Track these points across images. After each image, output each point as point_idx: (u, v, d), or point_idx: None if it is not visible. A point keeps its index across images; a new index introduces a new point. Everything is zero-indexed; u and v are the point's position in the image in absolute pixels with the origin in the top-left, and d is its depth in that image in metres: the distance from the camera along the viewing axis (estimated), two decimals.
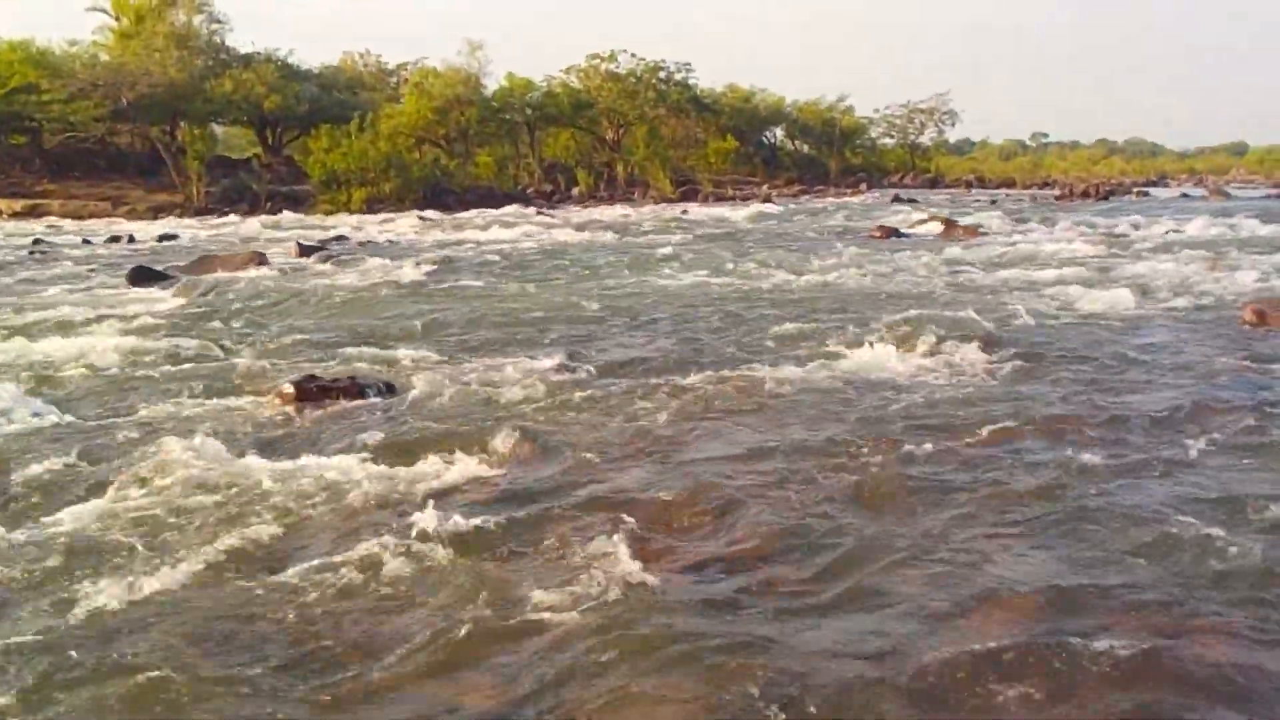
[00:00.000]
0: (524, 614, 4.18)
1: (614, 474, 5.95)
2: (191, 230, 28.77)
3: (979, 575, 4.46)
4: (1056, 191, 54.79)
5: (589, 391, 7.87)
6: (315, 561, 4.69)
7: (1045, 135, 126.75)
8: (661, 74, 58.86)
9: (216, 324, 11.63)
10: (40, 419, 7.17)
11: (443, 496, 5.62)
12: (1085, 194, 49.22)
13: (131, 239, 25.65)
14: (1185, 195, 50.90)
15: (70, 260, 19.81)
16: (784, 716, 3.43)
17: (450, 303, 12.95)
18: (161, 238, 26.03)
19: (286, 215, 35.42)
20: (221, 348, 10.07)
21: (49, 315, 11.94)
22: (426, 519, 5.12)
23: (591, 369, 8.62)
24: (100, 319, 11.67)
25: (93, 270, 17.84)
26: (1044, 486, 5.51)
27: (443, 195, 40.44)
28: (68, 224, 32.49)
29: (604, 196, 48.91)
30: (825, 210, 37.82)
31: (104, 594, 4.31)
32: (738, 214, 34.82)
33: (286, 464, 6.05)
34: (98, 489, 5.66)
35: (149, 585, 4.40)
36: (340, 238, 24.69)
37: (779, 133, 73.69)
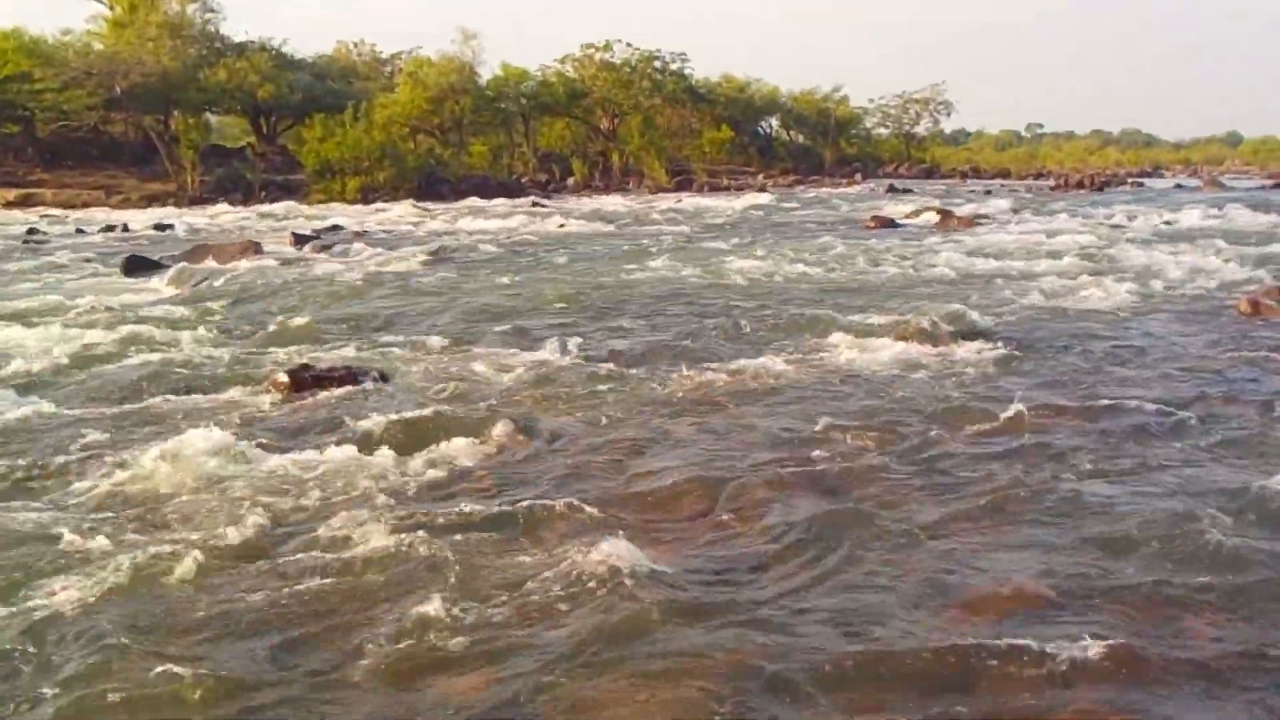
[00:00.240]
0: (516, 604, 4.18)
1: (608, 464, 5.95)
2: (186, 220, 28.65)
3: (972, 566, 4.47)
4: (1052, 182, 54.81)
5: (584, 382, 7.87)
6: (307, 551, 4.68)
7: (1040, 126, 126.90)
8: (657, 63, 58.75)
9: (210, 314, 11.61)
10: (33, 408, 7.15)
11: (436, 486, 5.62)
12: (1080, 184, 49.22)
13: (125, 228, 25.60)
14: (1180, 186, 50.97)
15: (64, 250, 19.75)
16: (776, 708, 3.44)
17: (445, 292, 12.94)
18: (155, 227, 25.97)
19: (281, 205, 35.30)
20: (216, 337, 10.05)
21: (42, 305, 11.91)
22: (420, 509, 5.13)
23: (586, 359, 8.62)
24: (94, 308, 11.64)
25: (87, 260, 17.79)
26: (1038, 477, 5.52)
27: (437, 185, 40.36)
28: (61, 213, 32.39)
29: (599, 186, 48.86)
30: (820, 200, 37.79)
31: (95, 584, 4.30)
32: (733, 204, 34.82)
33: (280, 453, 6.05)
34: (90, 479, 5.65)
35: (142, 574, 4.39)
36: (335, 227, 24.66)
37: (774, 123, 73.64)
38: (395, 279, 14.43)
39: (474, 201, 36.47)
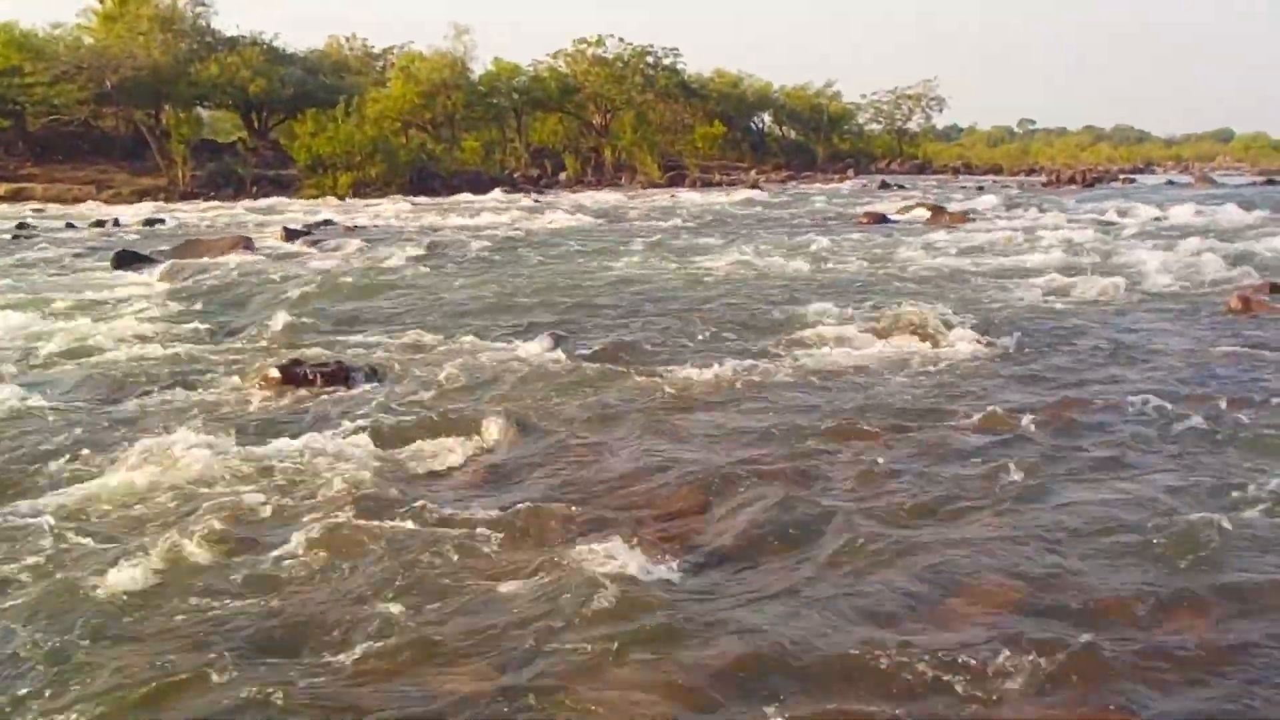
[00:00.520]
0: (510, 599, 4.18)
1: (600, 460, 5.95)
2: (176, 214, 28.62)
3: (964, 563, 4.47)
4: (1043, 178, 54.85)
5: (576, 377, 7.87)
6: (300, 546, 4.67)
7: (1032, 122, 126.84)
8: (649, 59, 58.78)
9: (202, 308, 11.58)
10: (23, 403, 7.13)
11: (428, 481, 5.62)
12: (1072, 180, 49.27)
13: (116, 223, 25.53)
14: (1171, 182, 51.02)
15: (54, 244, 19.70)
16: (767, 702, 3.44)
17: (436, 288, 12.92)
18: (146, 222, 25.90)
19: (272, 200, 35.28)
20: (206, 332, 10.03)
21: (33, 299, 11.87)
22: (412, 503, 5.12)
23: (579, 355, 8.61)
24: (85, 303, 11.61)
25: (77, 254, 17.74)
26: (1030, 474, 5.52)
27: (429, 180, 40.33)
28: (52, 208, 32.32)
29: (591, 181, 48.87)
30: (813, 196, 37.79)
31: (86, 578, 4.29)
32: (725, 199, 34.83)
33: (271, 448, 6.03)
34: (81, 473, 5.64)
35: (133, 569, 4.37)
36: (326, 222, 24.61)
37: (767, 118, 73.64)
38: (387, 274, 14.41)
39: (466, 197, 36.47)
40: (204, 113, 51.19)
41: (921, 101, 76.26)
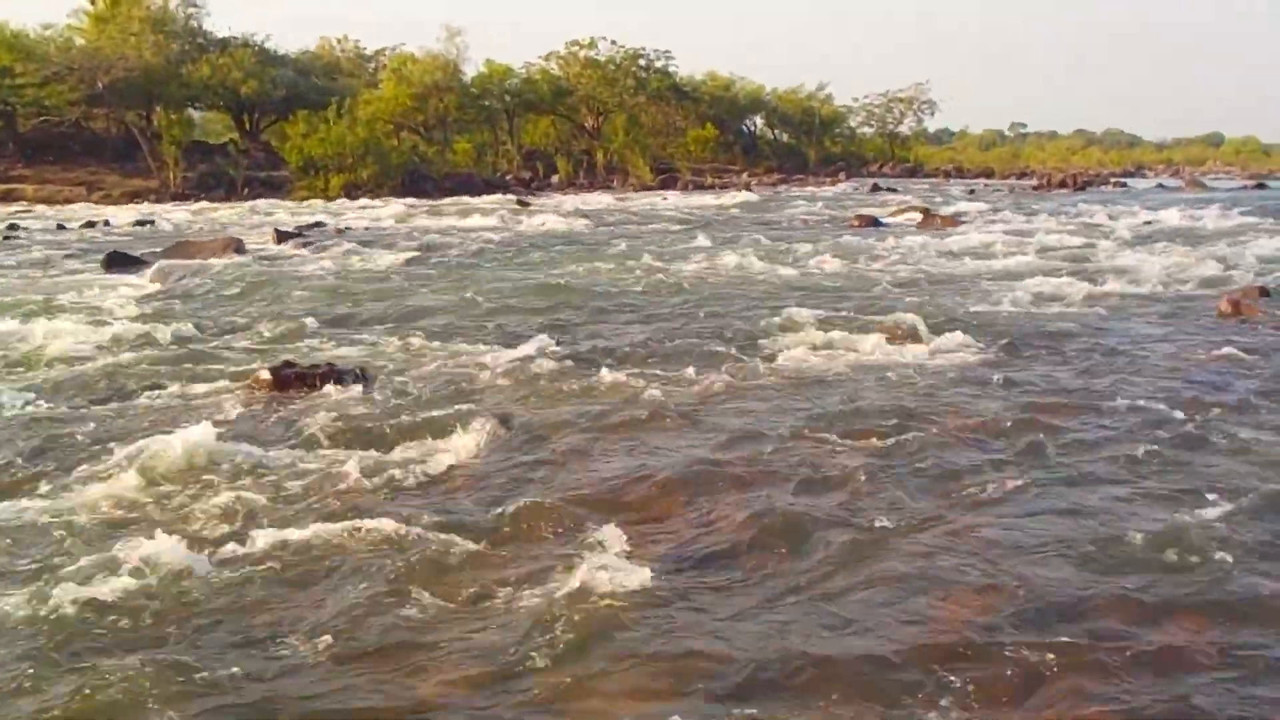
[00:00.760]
0: (499, 601, 4.19)
1: (591, 461, 5.95)
2: (168, 216, 28.54)
3: (948, 567, 4.48)
4: (1034, 181, 54.93)
5: (567, 379, 7.87)
6: (289, 548, 4.68)
7: (1024, 126, 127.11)
8: (641, 61, 58.75)
9: (192, 310, 11.56)
10: (10, 405, 7.11)
11: (417, 483, 5.62)
12: (1063, 184, 49.37)
13: (107, 224, 25.47)
14: (1162, 186, 51.21)
15: (45, 246, 19.65)
16: (750, 705, 3.44)
17: (428, 290, 12.92)
18: (137, 223, 25.84)
19: (264, 201, 35.18)
20: (197, 334, 10.01)
21: (21, 301, 11.84)
22: (401, 506, 5.13)
23: (568, 358, 8.61)
24: (74, 305, 11.59)
25: (67, 256, 17.70)
26: (1015, 478, 5.55)
27: (421, 182, 40.25)
28: (42, 209, 32.19)
29: (583, 184, 48.81)
30: (804, 199, 37.82)
31: (73, 579, 4.28)
32: (717, 202, 34.84)
33: (262, 451, 6.03)
34: (70, 476, 5.63)
35: (121, 570, 4.37)
36: (318, 224, 24.56)
37: (759, 121, 73.59)
38: (378, 276, 14.40)
39: (458, 199, 36.39)
40: (195, 114, 51.02)
41: (913, 105, 76.30)
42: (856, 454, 5.96)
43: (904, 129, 78.53)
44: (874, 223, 23.99)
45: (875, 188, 45.99)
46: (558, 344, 9.11)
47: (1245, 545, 4.61)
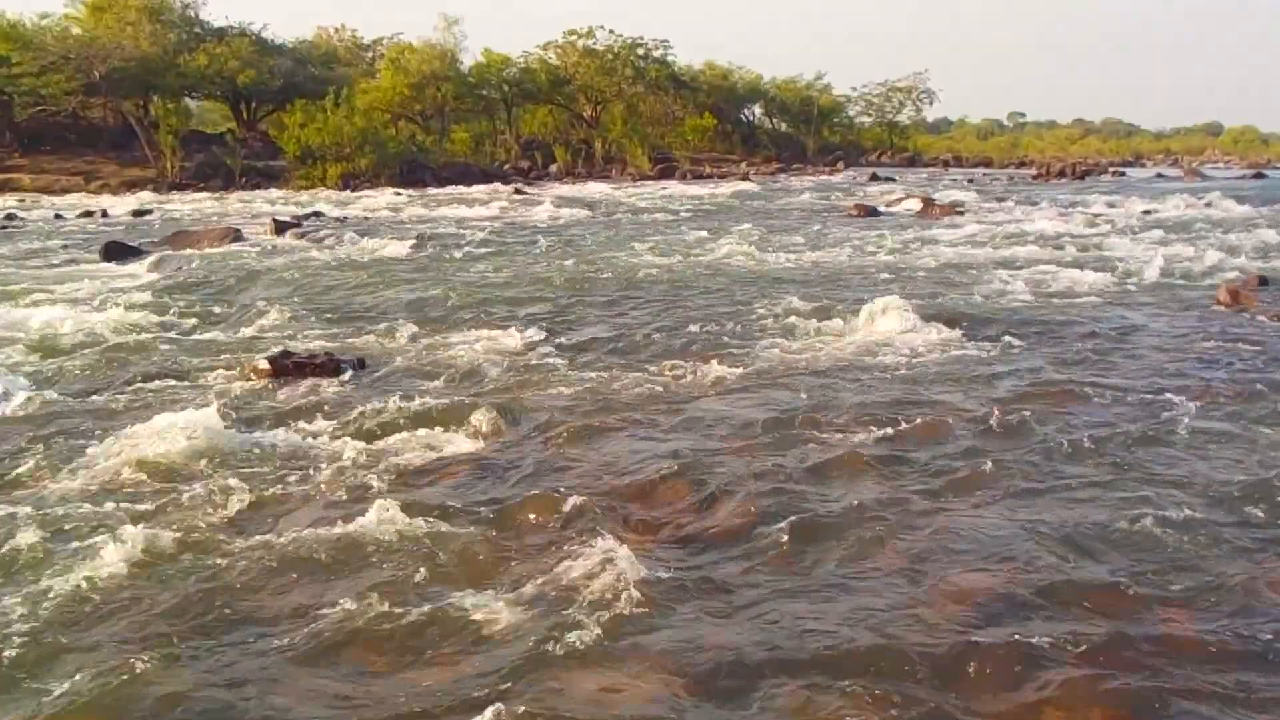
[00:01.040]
0: (497, 590, 4.18)
1: (590, 451, 5.94)
2: (165, 206, 28.52)
3: (953, 554, 4.48)
4: (1033, 171, 54.91)
5: (565, 369, 7.87)
6: (285, 538, 4.67)
7: (1022, 115, 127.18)
8: (639, 51, 58.62)
9: (190, 300, 11.54)
10: (9, 395, 7.10)
11: (416, 473, 5.61)
12: (1062, 174, 49.36)
13: (104, 214, 25.43)
14: (1161, 175, 51.17)
15: (42, 235, 19.63)
16: (758, 690, 3.44)
17: (426, 279, 12.89)
18: (135, 213, 25.80)
19: (261, 191, 35.13)
20: (195, 323, 10.00)
21: (19, 291, 11.82)
22: (399, 496, 5.12)
23: (568, 347, 8.61)
24: (72, 295, 11.57)
25: (65, 246, 17.68)
26: (1019, 467, 5.55)
27: (419, 171, 40.19)
28: (39, 199, 32.15)
29: (582, 173, 48.75)
30: (803, 188, 37.79)
31: (75, 567, 4.28)
32: (716, 191, 34.79)
33: (260, 439, 6.03)
34: (69, 464, 5.62)
35: (121, 558, 4.36)
36: (316, 214, 24.52)
37: (757, 111, 73.47)
38: (376, 266, 14.38)
39: (456, 188, 36.36)
40: (192, 104, 50.95)
41: (912, 94, 76.14)
42: (854, 444, 5.94)
43: (902, 118, 78.46)
44: (872, 212, 23.97)
45: (874, 177, 45.97)
46: (556, 333, 9.11)
47: (1241, 536, 4.61)
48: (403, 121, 50.00)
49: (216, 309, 10.94)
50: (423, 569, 4.36)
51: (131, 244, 16.77)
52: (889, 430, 6.18)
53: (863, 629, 3.83)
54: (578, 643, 3.72)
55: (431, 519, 4.84)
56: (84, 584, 4.18)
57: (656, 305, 10.87)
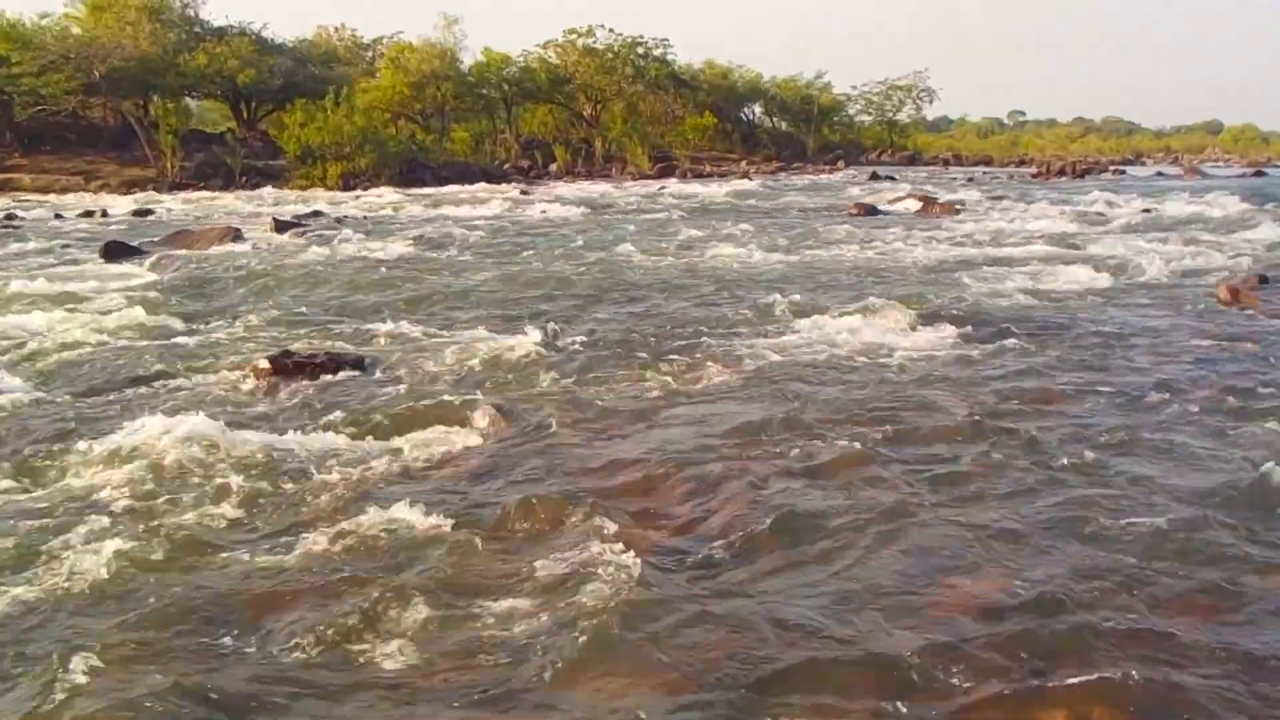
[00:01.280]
0: (499, 588, 4.19)
1: (590, 450, 5.95)
2: (165, 205, 28.50)
3: (951, 552, 4.49)
4: (1033, 169, 54.87)
5: (566, 368, 7.87)
6: (287, 536, 4.68)
7: (1022, 113, 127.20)
8: (639, 50, 58.58)
9: (191, 299, 11.55)
10: (10, 395, 7.10)
11: (416, 472, 5.62)
12: (1062, 172, 49.31)
13: (105, 214, 25.40)
14: (1161, 174, 51.17)
15: (43, 235, 19.60)
16: (758, 690, 3.45)
17: (427, 279, 12.90)
18: (135, 213, 25.78)
19: (261, 191, 35.10)
20: (196, 323, 10.01)
21: (21, 290, 11.81)
22: (401, 494, 5.12)
23: (569, 345, 8.62)
24: (74, 294, 11.57)
25: (65, 245, 17.66)
26: (1019, 466, 5.55)
27: (419, 171, 40.15)
28: (40, 198, 32.13)
29: (582, 173, 48.70)
30: (803, 187, 37.79)
31: (74, 567, 4.29)
32: (716, 191, 34.75)
33: (261, 439, 6.03)
34: (70, 464, 5.62)
35: (121, 558, 4.37)
36: (316, 213, 24.50)
37: (757, 109, 73.46)
38: (377, 265, 14.37)
39: (456, 188, 36.30)
40: (192, 103, 50.93)
41: (912, 93, 76.14)
42: (852, 443, 5.95)
43: (902, 117, 78.47)
44: (872, 211, 23.97)
45: (874, 176, 45.92)
46: (556, 333, 9.11)
47: (1241, 534, 4.61)
48: (403, 121, 49.99)
49: (217, 308, 10.94)
50: (421, 567, 4.37)
51: (132, 244, 16.75)
52: (887, 430, 6.19)
53: (861, 628, 3.84)
54: (576, 641, 3.72)
55: (431, 518, 4.85)
56: (82, 584, 4.18)
57: (656, 304, 10.87)
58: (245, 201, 30.33)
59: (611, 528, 4.65)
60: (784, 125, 73.07)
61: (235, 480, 5.37)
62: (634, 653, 3.66)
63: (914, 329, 9.01)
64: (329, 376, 7.60)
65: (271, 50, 49.68)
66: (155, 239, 17.82)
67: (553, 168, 49.82)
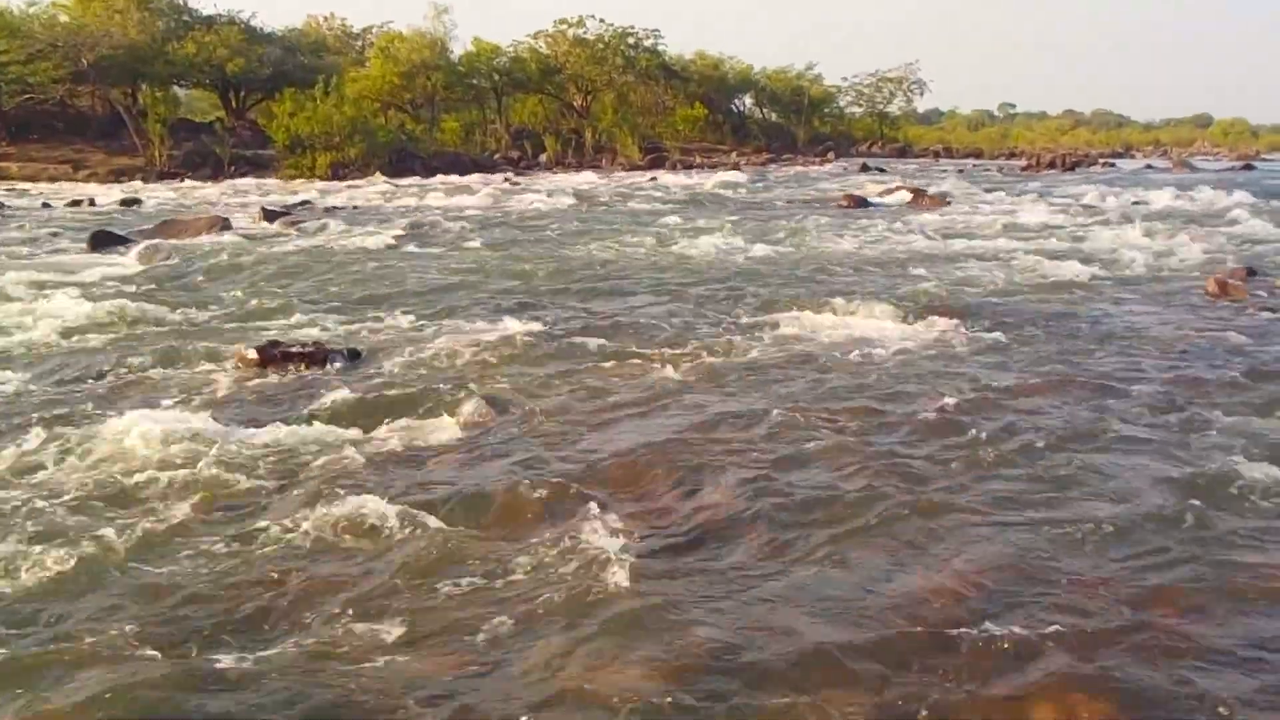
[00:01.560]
0: (486, 580, 4.18)
1: (579, 440, 5.94)
2: (154, 194, 28.39)
3: (939, 543, 4.50)
4: (1023, 162, 54.93)
5: (555, 359, 7.86)
6: (274, 528, 4.66)
7: (1013, 106, 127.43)
8: (630, 40, 58.50)
9: (179, 289, 11.51)
10: None
11: (405, 463, 5.60)
12: (1052, 165, 49.40)
13: (92, 203, 25.28)
14: (1150, 166, 51.30)
15: (30, 224, 19.51)
16: (744, 679, 3.45)
17: (415, 269, 12.87)
18: (123, 202, 25.65)
19: (250, 180, 35.02)
20: (183, 313, 9.96)
21: (7, 279, 11.75)
22: (388, 485, 5.11)
23: (556, 336, 8.60)
24: (61, 284, 11.51)
25: (53, 234, 17.57)
26: (1005, 457, 5.56)
27: (409, 161, 40.09)
28: (27, 187, 31.98)
29: (572, 163, 48.64)
30: (793, 179, 37.79)
31: (59, 559, 4.27)
32: (706, 181, 34.70)
33: (247, 429, 6.01)
34: (54, 455, 5.60)
35: (106, 550, 4.36)
36: (305, 203, 24.44)
37: (748, 101, 73.42)
38: (365, 255, 14.34)
39: (446, 178, 36.26)
40: (181, 92, 50.72)
41: (902, 85, 76.14)
42: (841, 435, 5.95)
43: (893, 109, 78.48)
44: (862, 203, 23.97)
45: (864, 167, 45.94)
46: (545, 323, 9.10)
47: (1226, 527, 4.63)
48: (392, 110, 49.88)
49: (204, 298, 10.89)
50: (410, 559, 4.36)
51: (119, 233, 16.68)
52: (875, 422, 6.19)
53: (849, 621, 3.84)
54: (564, 633, 3.72)
55: (419, 508, 4.83)
56: (67, 578, 4.17)
57: (644, 295, 10.86)
58: (234, 191, 30.24)
59: (597, 517, 4.65)
60: (774, 117, 73.08)
61: (219, 470, 5.35)
62: (618, 642, 3.66)
63: (901, 321, 9.01)
64: (317, 366, 7.58)
65: (261, 39, 49.56)
66: (143, 228, 17.73)
67: (543, 158, 49.78)
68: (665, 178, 38.37)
